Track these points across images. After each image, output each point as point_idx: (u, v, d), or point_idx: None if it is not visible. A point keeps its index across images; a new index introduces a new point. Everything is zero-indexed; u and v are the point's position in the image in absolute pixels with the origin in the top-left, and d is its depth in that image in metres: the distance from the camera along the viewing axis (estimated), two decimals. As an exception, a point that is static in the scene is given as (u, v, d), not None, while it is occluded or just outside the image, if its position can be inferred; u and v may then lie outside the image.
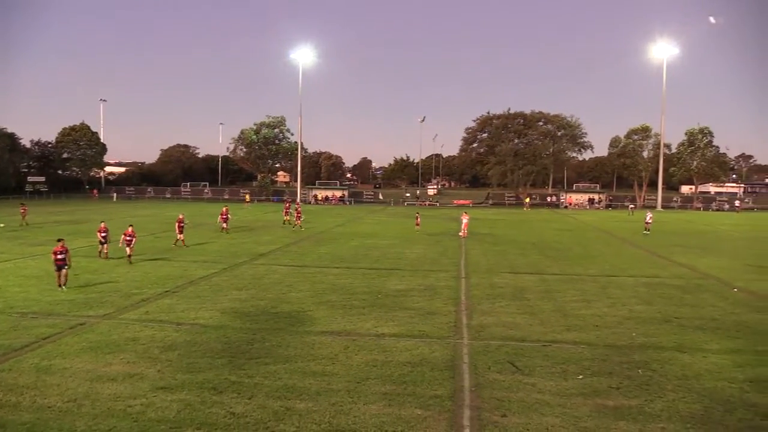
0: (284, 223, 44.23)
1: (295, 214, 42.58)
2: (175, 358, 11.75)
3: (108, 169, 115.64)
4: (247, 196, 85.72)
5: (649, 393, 10.23)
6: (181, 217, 30.90)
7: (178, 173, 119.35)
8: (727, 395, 10.17)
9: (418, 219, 43.20)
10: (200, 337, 13.38)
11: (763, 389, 10.48)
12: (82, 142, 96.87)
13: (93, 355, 11.88)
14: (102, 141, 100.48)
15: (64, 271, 18.53)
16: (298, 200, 67.00)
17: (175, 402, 9.51)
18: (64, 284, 18.40)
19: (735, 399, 10.00)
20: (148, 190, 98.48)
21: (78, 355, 11.94)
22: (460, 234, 37.50)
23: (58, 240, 19.10)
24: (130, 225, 25.27)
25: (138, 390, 10.00)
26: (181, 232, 29.92)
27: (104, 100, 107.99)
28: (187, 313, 15.59)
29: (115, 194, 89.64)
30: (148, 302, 16.90)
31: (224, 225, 37.87)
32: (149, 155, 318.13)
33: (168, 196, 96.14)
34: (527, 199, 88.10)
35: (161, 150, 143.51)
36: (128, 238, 24.04)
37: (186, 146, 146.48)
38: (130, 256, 23.96)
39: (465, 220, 38.30)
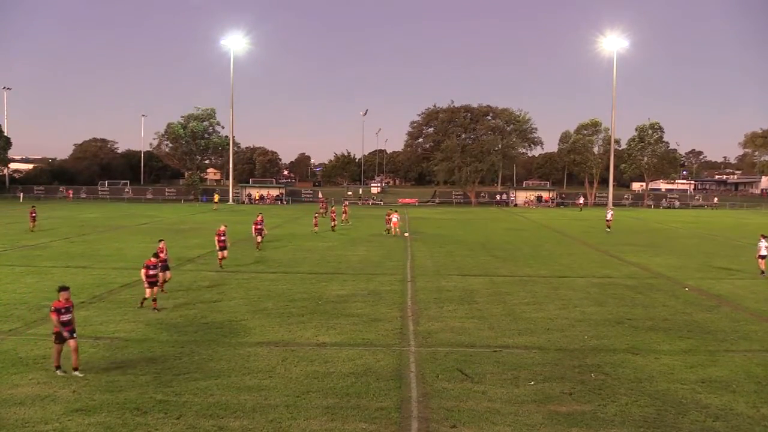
0: (333, 229, 41.27)
1: (331, 215, 42.38)
2: (92, 377, 11.31)
3: (13, 165, 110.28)
4: (216, 197, 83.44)
5: (602, 397, 10.58)
6: (222, 229, 25.12)
7: (94, 170, 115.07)
8: (679, 397, 10.64)
9: (316, 220, 41.46)
10: (121, 352, 12.96)
11: (715, 390, 11.01)
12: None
13: (-4, 376, 11.33)
14: (5, 134, 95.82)
15: (72, 342, 11.42)
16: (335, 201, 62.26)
17: (93, 425, 9.15)
18: (76, 367, 11.43)
19: (687, 401, 10.47)
20: (61, 189, 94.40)
21: (-21, 376, 11.34)
22: (405, 234, 38.39)
23: (61, 288, 11.77)
24: (161, 240, 21.20)
25: (50, 414, 9.57)
26: (222, 249, 24.49)
27: (8, 88, 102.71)
28: (105, 326, 15.06)
29: (21, 194, 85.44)
30: (60, 315, 16.18)
31: (258, 238, 30.40)
32: (61, 150, 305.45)
33: (83, 195, 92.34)
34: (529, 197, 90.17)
35: (75, 145, 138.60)
36: (153, 271, 16.94)
37: (103, 140, 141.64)
38: (155, 299, 17.01)
39: (394, 218, 39.32)
